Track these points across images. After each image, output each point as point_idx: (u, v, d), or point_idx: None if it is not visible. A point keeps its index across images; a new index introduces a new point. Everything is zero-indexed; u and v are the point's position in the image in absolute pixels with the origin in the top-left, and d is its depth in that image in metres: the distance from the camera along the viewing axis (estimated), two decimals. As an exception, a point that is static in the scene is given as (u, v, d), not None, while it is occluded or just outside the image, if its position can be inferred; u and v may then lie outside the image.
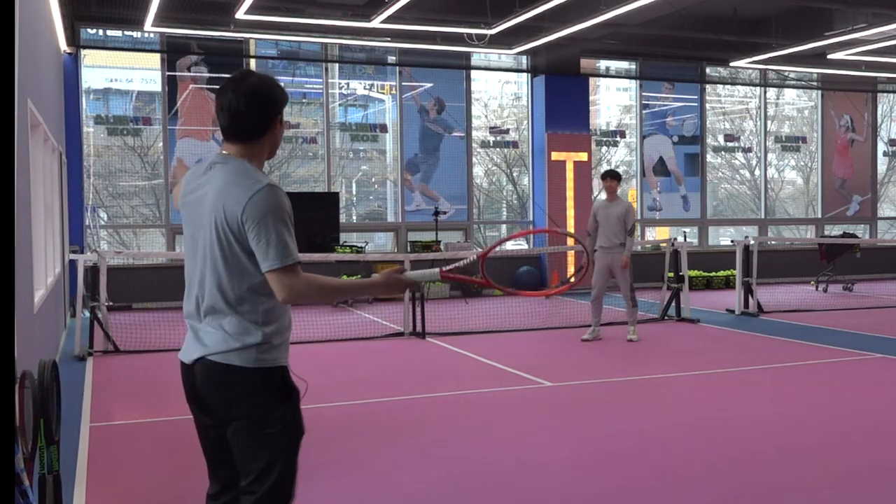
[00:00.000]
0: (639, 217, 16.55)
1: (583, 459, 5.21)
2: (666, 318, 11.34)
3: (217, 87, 13.78)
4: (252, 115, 2.76)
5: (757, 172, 17.88)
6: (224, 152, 2.82)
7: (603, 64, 16.73)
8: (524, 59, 15.76)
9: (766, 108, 17.69)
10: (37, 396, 3.59)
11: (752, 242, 12.16)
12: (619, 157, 16.92)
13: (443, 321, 10.82)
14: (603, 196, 10.02)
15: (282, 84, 2.91)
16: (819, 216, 18.14)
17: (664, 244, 12.07)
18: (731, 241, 13.91)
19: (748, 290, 11.97)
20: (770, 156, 17.88)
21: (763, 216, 17.71)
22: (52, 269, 8.70)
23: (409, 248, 14.61)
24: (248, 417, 2.72)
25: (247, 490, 2.75)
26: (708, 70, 17.04)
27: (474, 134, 15.65)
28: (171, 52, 13.79)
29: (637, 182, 16.63)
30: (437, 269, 2.95)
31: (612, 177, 9.68)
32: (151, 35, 13.62)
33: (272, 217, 2.64)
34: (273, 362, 2.75)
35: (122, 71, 14.04)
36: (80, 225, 12.94)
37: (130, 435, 5.96)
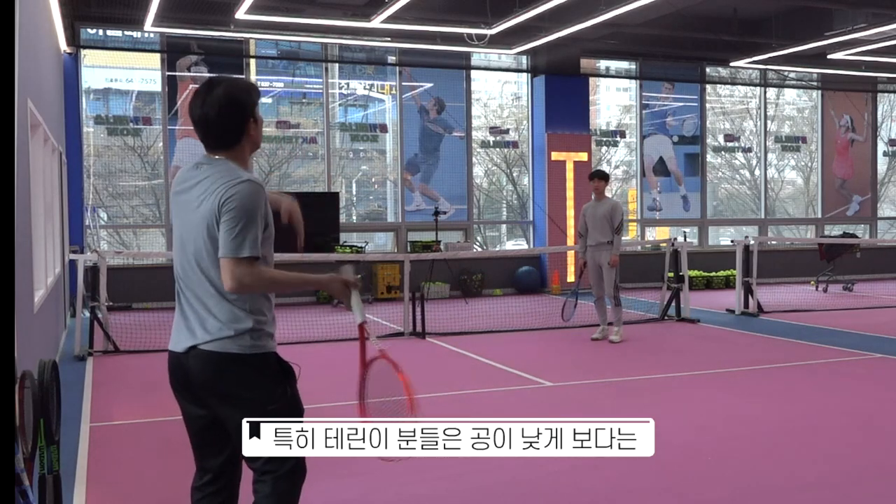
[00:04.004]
0: (639, 217, 16.56)
1: (582, 459, 5.19)
2: (666, 318, 11.34)
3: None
4: (224, 127, 2.88)
5: (757, 172, 17.87)
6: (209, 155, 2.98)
7: (603, 64, 16.72)
8: (524, 59, 15.76)
9: (766, 108, 17.69)
10: (37, 396, 3.58)
11: (752, 242, 12.16)
12: (619, 157, 16.92)
13: (443, 321, 10.81)
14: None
15: (251, 81, 3.01)
16: (819, 216, 18.14)
17: (664, 244, 12.08)
18: (731, 241, 13.90)
19: (748, 290, 11.96)
20: (770, 156, 17.88)
21: (763, 216, 17.71)
22: (52, 270, 8.69)
23: (409, 248, 14.60)
24: (250, 401, 2.82)
25: (263, 470, 2.84)
26: (708, 70, 17.03)
27: (474, 134, 15.64)
28: (171, 52, 13.79)
29: (637, 182, 16.63)
30: (363, 319, 3.16)
31: (598, 177, 9.86)
32: (151, 35, 13.61)
33: (242, 210, 2.77)
34: (266, 348, 2.90)
35: (122, 71, 14.04)
36: (80, 225, 12.94)
37: (130, 435, 5.97)
